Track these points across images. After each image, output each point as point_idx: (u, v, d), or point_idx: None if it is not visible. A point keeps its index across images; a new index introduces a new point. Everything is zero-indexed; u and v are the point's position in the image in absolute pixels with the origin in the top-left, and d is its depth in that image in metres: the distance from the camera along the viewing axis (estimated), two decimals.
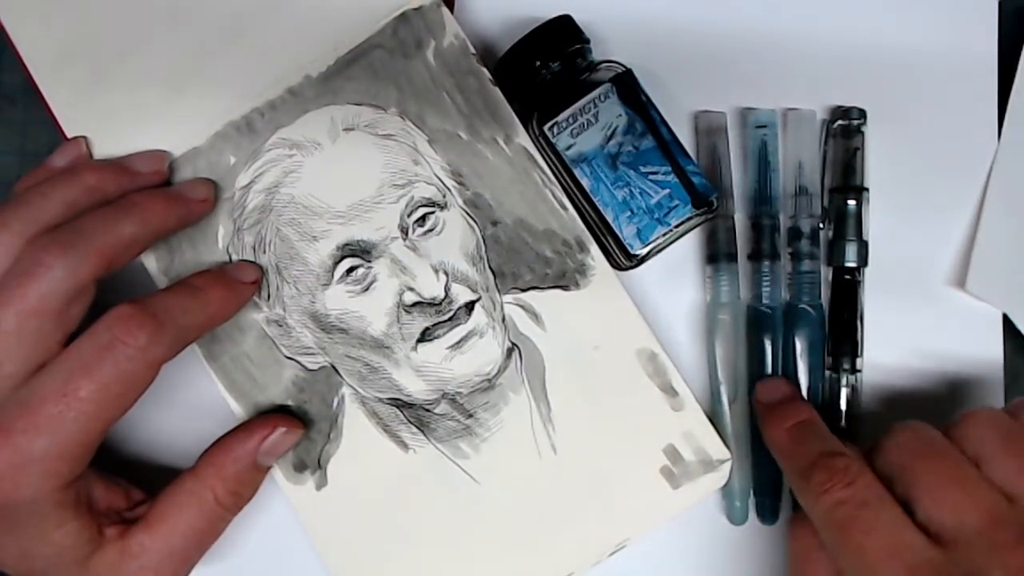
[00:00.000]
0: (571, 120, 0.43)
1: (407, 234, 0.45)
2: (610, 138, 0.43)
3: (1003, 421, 0.40)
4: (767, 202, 0.46)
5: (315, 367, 0.45)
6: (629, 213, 0.43)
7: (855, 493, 0.38)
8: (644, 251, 0.43)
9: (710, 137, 0.46)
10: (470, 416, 0.45)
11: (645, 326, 0.45)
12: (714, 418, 0.46)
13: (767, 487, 0.46)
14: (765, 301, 0.46)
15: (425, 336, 0.45)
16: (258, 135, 0.45)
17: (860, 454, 0.40)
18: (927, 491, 0.37)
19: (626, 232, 0.43)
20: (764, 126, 0.47)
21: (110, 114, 0.45)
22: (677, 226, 0.43)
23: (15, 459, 0.37)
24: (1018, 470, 0.37)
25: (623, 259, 0.44)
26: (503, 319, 0.45)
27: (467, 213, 0.45)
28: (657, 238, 0.43)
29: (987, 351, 0.47)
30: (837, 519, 0.38)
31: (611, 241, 0.43)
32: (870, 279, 0.47)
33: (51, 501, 0.38)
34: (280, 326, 0.45)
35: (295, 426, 0.44)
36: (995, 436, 0.39)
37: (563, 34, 0.44)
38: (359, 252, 0.45)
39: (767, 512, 0.46)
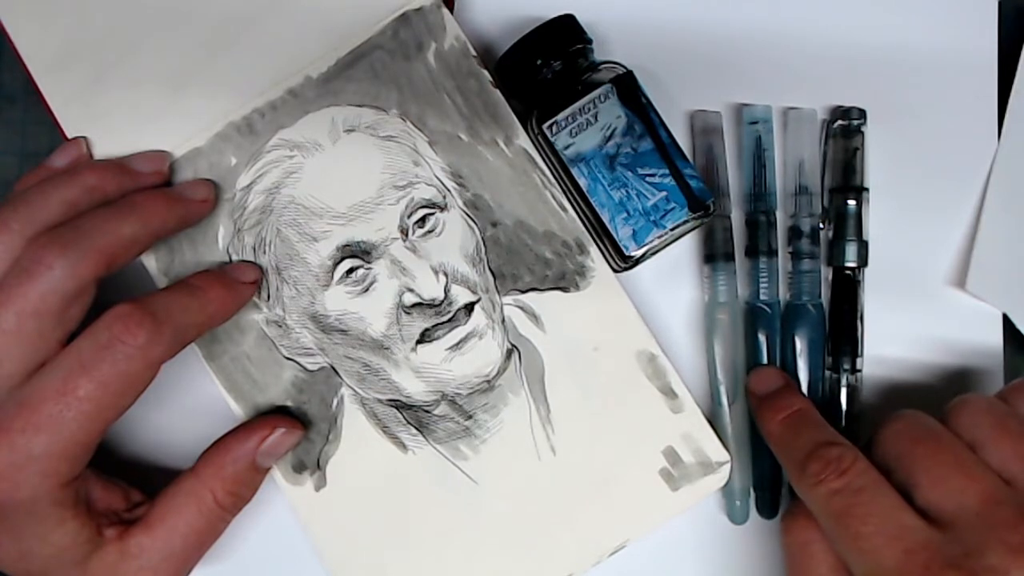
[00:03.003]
0: (570, 119, 0.43)
1: (407, 235, 0.45)
2: (609, 139, 0.43)
3: (996, 407, 0.40)
4: (762, 198, 0.46)
5: (314, 368, 0.45)
6: (625, 214, 0.42)
7: (850, 481, 0.38)
8: (639, 253, 0.43)
9: (706, 136, 0.46)
10: (469, 417, 0.45)
11: (644, 328, 0.45)
12: (713, 419, 0.46)
13: (766, 482, 0.46)
14: (763, 297, 0.46)
15: (424, 337, 0.45)
16: (259, 136, 0.45)
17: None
18: (925, 475, 0.38)
19: (621, 233, 0.43)
20: (757, 122, 0.47)
21: (110, 114, 0.46)
22: (673, 229, 0.42)
23: (14, 458, 0.37)
24: (1014, 454, 0.38)
25: (618, 260, 0.44)
26: (502, 320, 0.45)
27: (467, 214, 0.45)
28: (652, 240, 0.43)
29: (987, 351, 0.47)
30: (834, 509, 0.38)
31: (606, 242, 0.43)
32: (870, 279, 0.47)
33: (50, 500, 0.38)
34: (280, 327, 0.45)
35: (295, 427, 0.44)
36: (989, 421, 0.39)
37: (566, 33, 0.44)
38: (359, 253, 0.45)
39: (766, 507, 0.46)
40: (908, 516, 0.37)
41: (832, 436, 0.41)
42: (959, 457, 0.38)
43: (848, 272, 0.46)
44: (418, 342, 0.45)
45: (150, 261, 0.45)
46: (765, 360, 0.46)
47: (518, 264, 0.45)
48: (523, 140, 0.45)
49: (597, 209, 0.43)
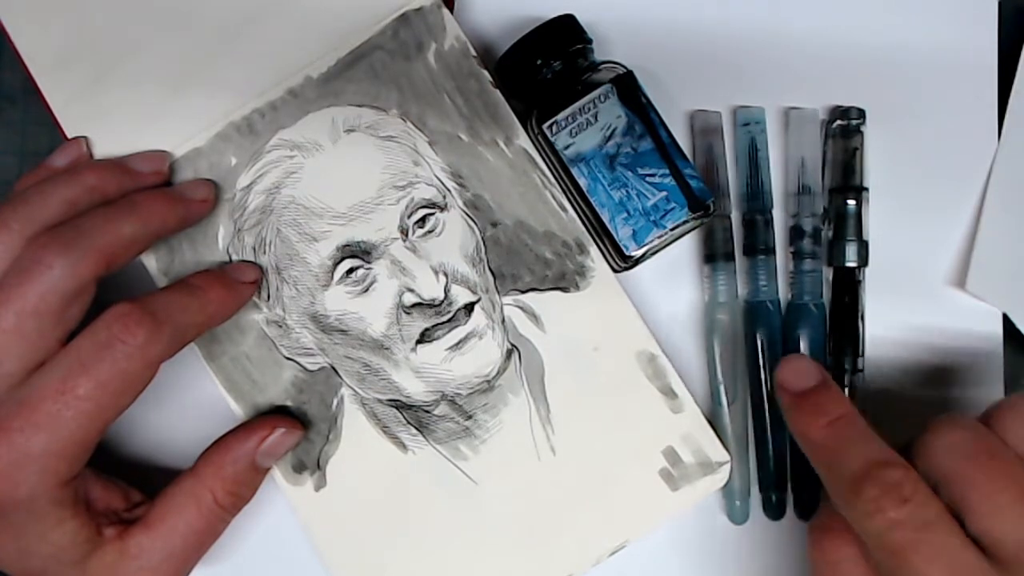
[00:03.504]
0: (570, 119, 0.43)
1: (407, 235, 0.45)
2: (609, 139, 0.43)
3: None
4: (757, 198, 0.46)
5: (314, 368, 0.45)
6: (625, 214, 0.42)
7: (913, 512, 0.34)
8: (639, 253, 0.43)
9: (706, 137, 0.47)
10: (469, 417, 0.45)
11: (644, 328, 0.45)
12: (713, 419, 0.46)
13: (772, 482, 0.46)
14: (761, 296, 0.46)
15: (424, 337, 0.45)
16: (259, 136, 0.45)
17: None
18: (983, 502, 0.34)
19: (621, 233, 0.43)
20: (750, 123, 0.47)
21: (110, 114, 0.46)
22: (673, 229, 0.42)
23: (13, 457, 0.37)
24: None
25: (618, 260, 0.44)
26: (502, 320, 0.45)
27: (467, 214, 0.45)
28: (652, 240, 0.43)
29: (987, 351, 0.47)
30: (894, 542, 0.34)
31: (606, 242, 0.43)
32: (870, 279, 0.47)
33: (49, 499, 0.38)
34: (280, 327, 0.45)
35: (294, 427, 0.44)
36: None
37: (565, 33, 0.44)
38: (359, 253, 0.45)
39: (772, 508, 0.46)
40: (973, 555, 0.34)
41: (886, 453, 0.36)
42: (1020, 480, 0.34)
43: (848, 272, 0.46)
44: (418, 342, 0.45)
45: (150, 261, 0.45)
46: (764, 359, 0.46)
47: (518, 264, 0.45)
48: (523, 140, 0.45)
49: (597, 209, 0.43)
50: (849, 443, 0.37)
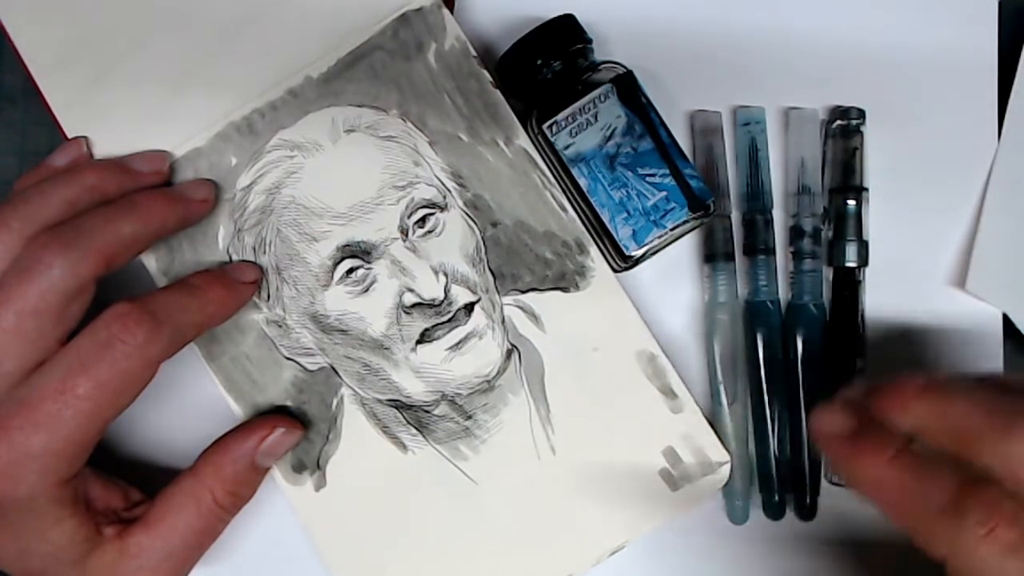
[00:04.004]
0: (570, 119, 0.43)
1: (407, 235, 0.45)
2: (609, 139, 0.43)
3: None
4: (758, 198, 0.46)
5: (314, 368, 0.45)
6: (625, 214, 0.42)
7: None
8: (639, 253, 0.43)
9: (706, 137, 0.47)
10: (469, 417, 0.45)
11: (644, 328, 0.45)
12: (713, 419, 0.46)
13: (772, 482, 0.46)
14: (761, 296, 0.46)
15: (424, 337, 0.45)
16: (259, 136, 0.46)
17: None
18: None
19: (621, 233, 0.43)
20: (748, 123, 0.47)
21: (110, 114, 0.46)
22: (673, 229, 0.42)
23: (12, 455, 0.37)
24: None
25: (618, 260, 0.44)
26: (502, 320, 0.45)
27: (467, 214, 0.45)
28: (652, 240, 0.43)
29: (987, 351, 0.47)
30: (1013, 570, 0.31)
31: (606, 242, 0.43)
32: (870, 279, 0.47)
33: (48, 498, 0.38)
34: (280, 327, 0.45)
35: (294, 427, 0.44)
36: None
37: (565, 33, 0.44)
38: (359, 253, 0.45)
39: (773, 508, 0.46)
40: None
41: (965, 472, 0.33)
42: None
43: (848, 272, 0.46)
44: (418, 342, 0.45)
45: (150, 261, 0.45)
46: (764, 359, 0.46)
47: (518, 264, 0.45)
48: (523, 140, 0.45)
49: (597, 209, 0.43)
50: (924, 471, 0.34)
